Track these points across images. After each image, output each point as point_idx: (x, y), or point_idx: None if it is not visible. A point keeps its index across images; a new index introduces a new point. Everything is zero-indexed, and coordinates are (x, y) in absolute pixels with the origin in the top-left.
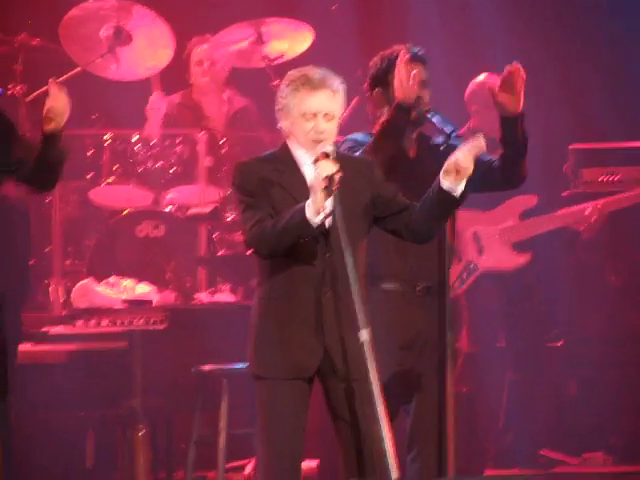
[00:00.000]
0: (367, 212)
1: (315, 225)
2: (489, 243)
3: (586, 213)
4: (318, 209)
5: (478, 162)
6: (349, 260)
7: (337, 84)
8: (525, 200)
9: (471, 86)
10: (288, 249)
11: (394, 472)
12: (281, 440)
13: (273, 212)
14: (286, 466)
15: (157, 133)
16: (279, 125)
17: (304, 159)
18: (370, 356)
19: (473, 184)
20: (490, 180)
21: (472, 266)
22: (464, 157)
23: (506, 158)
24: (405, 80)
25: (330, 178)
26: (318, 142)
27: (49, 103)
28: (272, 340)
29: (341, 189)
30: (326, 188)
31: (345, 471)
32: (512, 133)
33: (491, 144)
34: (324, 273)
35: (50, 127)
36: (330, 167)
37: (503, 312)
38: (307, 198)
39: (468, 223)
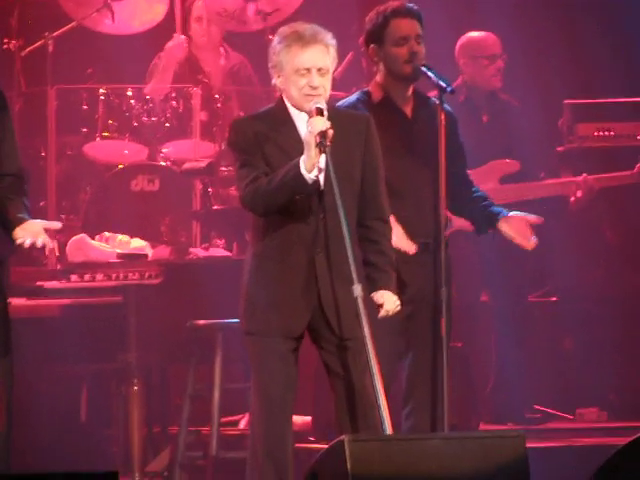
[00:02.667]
0: (359, 170)
1: (310, 181)
2: None
3: (574, 187)
4: (312, 165)
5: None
6: (343, 218)
7: (329, 39)
8: (508, 165)
9: (459, 41)
10: (282, 207)
11: (387, 427)
12: (272, 393)
13: (268, 170)
14: (277, 418)
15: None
16: (273, 82)
17: (299, 115)
18: (363, 311)
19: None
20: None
21: (446, 221)
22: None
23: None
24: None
25: (323, 134)
26: (312, 97)
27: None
28: (262, 298)
29: (335, 146)
30: (319, 144)
31: (338, 427)
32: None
33: (485, 98)
34: (317, 233)
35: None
36: (322, 123)
37: (484, 267)
38: (301, 155)
39: None
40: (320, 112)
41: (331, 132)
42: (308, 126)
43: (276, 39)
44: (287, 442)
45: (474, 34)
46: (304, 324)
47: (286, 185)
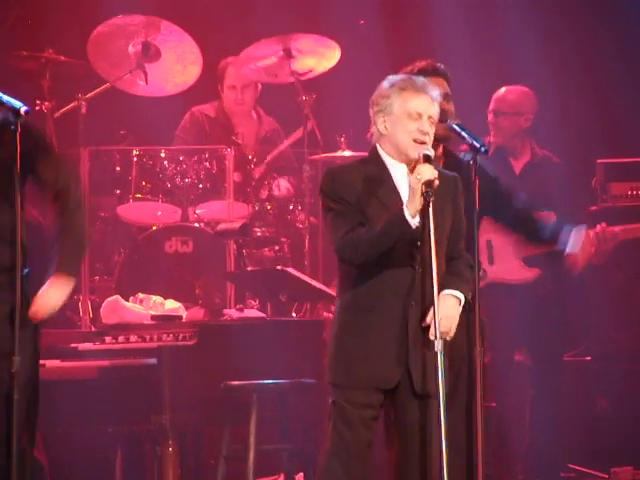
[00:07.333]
0: (449, 225)
1: (413, 226)
2: (501, 253)
3: (602, 237)
4: (416, 211)
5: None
6: (436, 272)
7: (437, 94)
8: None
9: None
10: (381, 256)
11: None
12: (350, 444)
13: (363, 220)
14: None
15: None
16: (373, 128)
17: (395, 166)
18: (440, 367)
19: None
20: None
21: (481, 273)
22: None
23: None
24: None
25: (430, 183)
26: (419, 142)
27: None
28: (352, 348)
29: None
30: (425, 193)
31: None
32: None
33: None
34: (412, 284)
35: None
36: (431, 172)
37: (518, 324)
38: (397, 205)
39: (483, 230)
40: (429, 160)
41: (437, 183)
42: (417, 173)
43: (386, 84)
44: None
45: (506, 90)
46: (398, 376)
47: (390, 231)
